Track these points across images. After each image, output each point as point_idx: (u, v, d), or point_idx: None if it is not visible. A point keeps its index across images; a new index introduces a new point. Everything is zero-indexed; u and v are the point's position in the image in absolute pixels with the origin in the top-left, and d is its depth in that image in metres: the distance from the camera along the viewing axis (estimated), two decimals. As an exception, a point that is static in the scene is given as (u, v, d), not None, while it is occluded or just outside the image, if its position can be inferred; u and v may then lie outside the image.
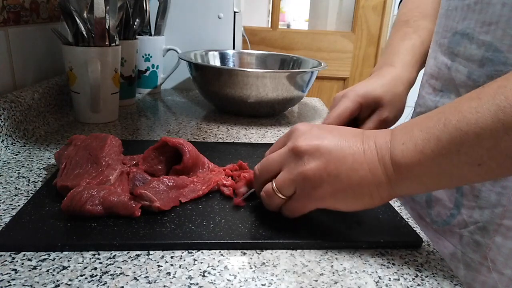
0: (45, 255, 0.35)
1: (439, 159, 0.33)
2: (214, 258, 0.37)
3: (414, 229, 0.43)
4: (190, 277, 0.34)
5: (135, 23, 0.85)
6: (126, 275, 0.34)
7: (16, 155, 0.57)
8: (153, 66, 0.96)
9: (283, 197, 0.39)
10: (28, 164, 0.54)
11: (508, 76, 0.31)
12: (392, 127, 0.40)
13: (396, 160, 0.35)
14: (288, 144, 0.39)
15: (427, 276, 0.36)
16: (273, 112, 0.85)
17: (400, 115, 0.57)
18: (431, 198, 0.53)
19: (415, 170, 0.34)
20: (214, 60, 0.96)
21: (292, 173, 0.37)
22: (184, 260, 0.36)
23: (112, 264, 0.35)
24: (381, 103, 0.55)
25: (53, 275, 0.33)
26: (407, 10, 0.65)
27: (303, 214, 0.40)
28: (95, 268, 0.34)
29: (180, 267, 0.35)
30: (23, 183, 0.48)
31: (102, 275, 0.33)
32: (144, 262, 0.35)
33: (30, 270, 0.33)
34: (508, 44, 0.41)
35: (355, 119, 0.56)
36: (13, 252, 0.35)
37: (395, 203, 0.49)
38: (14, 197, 0.45)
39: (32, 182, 0.49)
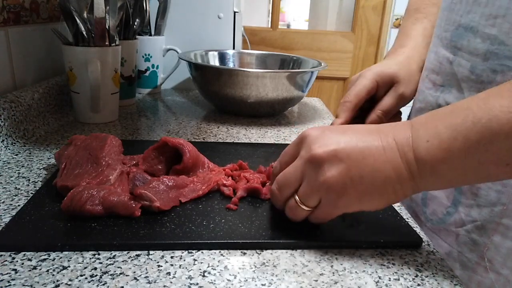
0: (45, 255, 0.35)
1: (466, 157, 0.32)
2: (214, 258, 0.37)
3: (414, 229, 0.43)
4: (190, 277, 0.34)
5: (135, 23, 0.85)
6: (126, 275, 0.34)
7: (16, 155, 0.57)
8: (153, 66, 0.96)
9: (309, 209, 0.38)
10: (28, 164, 0.54)
11: None
12: (404, 118, 0.39)
13: (420, 157, 0.34)
14: (302, 154, 0.37)
15: (427, 276, 0.36)
16: (273, 112, 0.85)
17: (415, 92, 0.57)
18: (427, 196, 0.53)
19: (440, 167, 0.33)
20: (214, 60, 0.96)
21: (314, 184, 0.36)
22: (184, 260, 0.36)
23: (112, 264, 0.35)
24: (397, 79, 0.56)
25: (53, 275, 0.33)
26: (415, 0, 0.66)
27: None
28: (95, 268, 0.34)
29: (180, 267, 0.35)
30: (23, 183, 0.48)
31: (102, 275, 0.33)
32: (144, 262, 0.35)
33: (30, 270, 0.33)
34: None
35: (372, 99, 0.57)
36: (13, 252, 0.35)
37: (395, 203, 0.49)
38: (14, 197, 0.45)
39: (32, 182, 0.49)
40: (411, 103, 0.61)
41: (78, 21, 0.67)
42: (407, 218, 0.46)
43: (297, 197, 0.38)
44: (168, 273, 0.34)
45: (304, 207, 0.38)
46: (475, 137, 0.31)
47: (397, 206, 0.48)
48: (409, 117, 0.60)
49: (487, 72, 0.44)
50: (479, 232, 0.46)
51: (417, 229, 0.44)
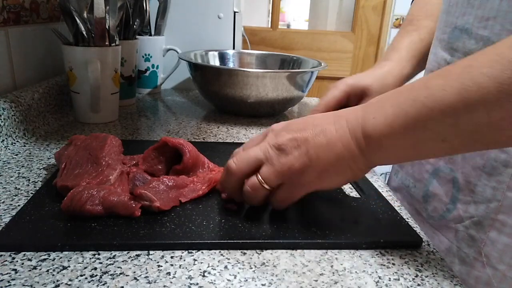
0: (45, 255, 0.35)
1: (407, 133, 0.34)
2: (214, 258, 0.37)
3: (414, 229, 0.43)
4: (190, 277, 0.34)
5: (135, 23, 0.85)
6: (126, 275, 0.34)
7: (16, 155, 0.57)
8: (153, 66, 0.96)
9: (269, 188, 0.40)
10: (28, 164, 0.54)
11: (476, 56, 0.32)
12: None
13: (367, 133, 0.36)
14: (268, 140, 0.40)
15: (427, 276, 0.36)
16: (273, 112, 0.85)
17: None
18: (428, 193, 0.54)
19: (385, 142, 0.36)
20: (214, 60, 0.96)
21: (277, 165, 0.39)
22: (184, 260, 0.36)
23: (112, 264, 0.35)
24: (369, 92, 0.59)
25: (53, 275, 0.33)
26: (415, 10, 0.68)
27: (292, 203, 0.42)
28: (95, 268, 0.34)
29: (180, 267, 0.35)
30: (23, 183, 0.48)
31: (102, 275, 0.33)
32: (144, 262, 0.35)
33: (30, 270, 0.33)
34: None
35: (345, 107, 0.59)
36: (13, 252, 0.35)
37: (395, 203, 0.49)
38: (14, 197, 0.45)
39: (32, 182, 0.49)
40: None
41: (78, 21, 0.67)
42: (407, 218, 0.46)
43: (259, 176, 0.40)
44: (168, 273, 0.34)
45: (266, 186, 0.40)
46: (413, 114, 0.33)
47: (397, 206, 0.48)
48: None
49: None
50: (476, 228, 0.47)
51: (417, 229, 0.44)
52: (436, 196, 0.53)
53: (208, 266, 0.35)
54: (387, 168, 0.75)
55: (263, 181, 0.39)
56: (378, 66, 0.63)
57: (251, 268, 0.36)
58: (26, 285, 0.32)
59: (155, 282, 0.33)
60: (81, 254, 0.36)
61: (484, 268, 0.46)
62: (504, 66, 0.29)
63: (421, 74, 0.60)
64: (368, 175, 0.56)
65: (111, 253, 0.36)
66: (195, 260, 0.36)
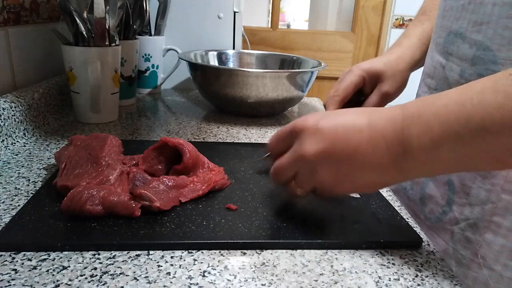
0: (45, 255, 0.35)
1: (457, 153, 0.32)
2: (214, 258, 0.37)
3: (414, 229, 0.43)
4: (190, 277, 0.34)
5: (135, 23, 0.85)
6: (126, 275, 0.34)
7: (16, 155, 0.57)
8: (153, 66, 0.96)
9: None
10: (28, 164, 0.54)
11: None
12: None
13: (410, 153, 0.34)
14: (296, 149, 0.38)
15: (427, 276, 0.36)
16: (273, 112, 0.85)
17: (401, 91, 0.63)
18: (425, 195, 0.54)
19: (429, 162, 0.34)
20: (214, 60, 0.96)
21: (308, 180, 0.39)
22: (184, 260, 0.36)
23: (112, 264, 0.35)
24: (382, 77, 0.62)
25: (53, 275, 0.33)
26: (427, 2, 0.70)
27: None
28: (95, 268, 0.34)
29: (180, 267, 0.35)
30: (23, 183, 0.48)
31: (102, 275, 0.33)
32: (144, 262, 0.35)
33: (30, 270, 0.33)
34: (498, 43, 0.42)
35: (360, 92, 0.63)
36: (13, 252, 0.35)
37: (395, 203, 0.49)
38: (14, 197, 0.45)
39: (32, 182, 0.49)
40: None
41: (78, 21, 0.67)
42: (407, 218, 0.46)
43: (293, 184, 0.41)
44: (168, 273, 0.34)
45: (300, 189, 0.41)
46: (468, 136, 0.31)
47: (397, 206, 0.48)
48: None
49: (474, 76, 0.45)
50: (472, 229, 0.47)
51: (417, 229, 0.44)
52: (432, 198, 0.53)
53: (208, 266, 0.35)
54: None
55: (297, 186, 0.41)
56: (390, 52, 0.65)
57: (251, 268, 0.36)
58: (26, 285, 0.32)
59: (155, 282, 0.33)
60: (81, 254, 0.36)
61: (480, 269, 0.46)
62: None
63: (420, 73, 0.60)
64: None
65: (111, 253, 0.36)
66: (195, 260, 0.36)
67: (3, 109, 0.58)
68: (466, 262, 0.48)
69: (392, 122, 0.35)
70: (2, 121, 0.57)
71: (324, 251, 0.39)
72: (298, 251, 0.38)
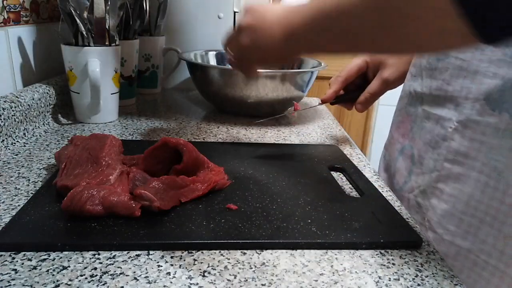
0: (45, 255, 0.35)
1: (321, 24, 0.38)
2: (214, 258, 0.37)
3: (414, 229, 0.43)
4: (190, 277, 0.34)
5: (135, 23, 0.85)
6: (126, 275, 0.34)
7: (16, 155, 0.57)
8: (153, 66, 0.96)
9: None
10: (28, 164, 0.54)
11: None
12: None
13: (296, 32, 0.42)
14: (237, 24, 0.50)
15: (427, 276, 0.36)
16: (273, 112, 0.85)
17: (401, 80, 0.65)
18: (395, 169, 0.61)
19: (308, 37, 0.41)
20: (214, 60, 0.96)
21: (236, 46, 0.51)
22: (184, 260, 0.36)
23: (112, 264, 0.35)
24: (384, 64, 0.65)
25: (53, 275, 0.33)
26: None
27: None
28: (95, 268, 0.34)
29: (180, 267, 0.35)
30: (23, 183, 0.48)
31: (102, 275, 0.33)
32: (144, 262, 0.35)
33: (30, 270, 0.33)
34: None
35: (364, 79, 0.68)
36: (13, 252, 0.35)
37: (395, 203, 0.49)
38: (14, 197, 0.45)
39: (32, 182, 0.49)
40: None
41: (78, 21, 0.67)
42: (407, 218, 0.46)
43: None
44: (168, 273, 0.34)
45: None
46: (328, 9, 0.37)
47: (397, 206, 0.48)
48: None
49: (433, 60, 0.52)
50: (422, 196, 0.53)
51: (417, 229, 0.44)
52: (399, 170, 0.59)
53: (208, 266, 0.35)
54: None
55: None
56: None
57: (251, 268, 0.36)
58: (26, 285, 0.32)
59: (155, 282, 0.33)
60: (81, 254, 0.36)
61: (426, 232, 0.51)
62: None
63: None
64: (368, 175, 0.56)
65: (111, 253, 0.36)
66: (195, 260, 0.36)
67: (3, 109, 0.58)
68: (417, 225, 0.50)
69: (293, 16, 0.43)
70: (2, 121, 0.57)
71: (324, 251, 0.39)
72: (298, 251, 0.38)
